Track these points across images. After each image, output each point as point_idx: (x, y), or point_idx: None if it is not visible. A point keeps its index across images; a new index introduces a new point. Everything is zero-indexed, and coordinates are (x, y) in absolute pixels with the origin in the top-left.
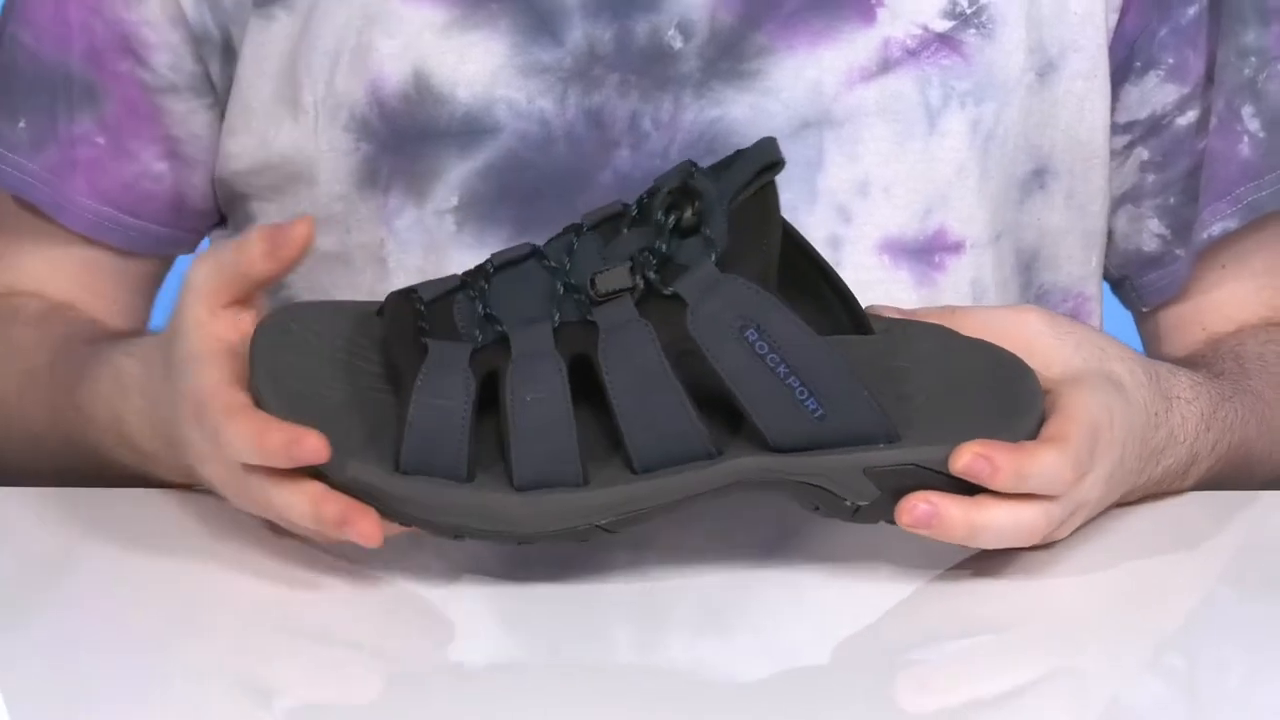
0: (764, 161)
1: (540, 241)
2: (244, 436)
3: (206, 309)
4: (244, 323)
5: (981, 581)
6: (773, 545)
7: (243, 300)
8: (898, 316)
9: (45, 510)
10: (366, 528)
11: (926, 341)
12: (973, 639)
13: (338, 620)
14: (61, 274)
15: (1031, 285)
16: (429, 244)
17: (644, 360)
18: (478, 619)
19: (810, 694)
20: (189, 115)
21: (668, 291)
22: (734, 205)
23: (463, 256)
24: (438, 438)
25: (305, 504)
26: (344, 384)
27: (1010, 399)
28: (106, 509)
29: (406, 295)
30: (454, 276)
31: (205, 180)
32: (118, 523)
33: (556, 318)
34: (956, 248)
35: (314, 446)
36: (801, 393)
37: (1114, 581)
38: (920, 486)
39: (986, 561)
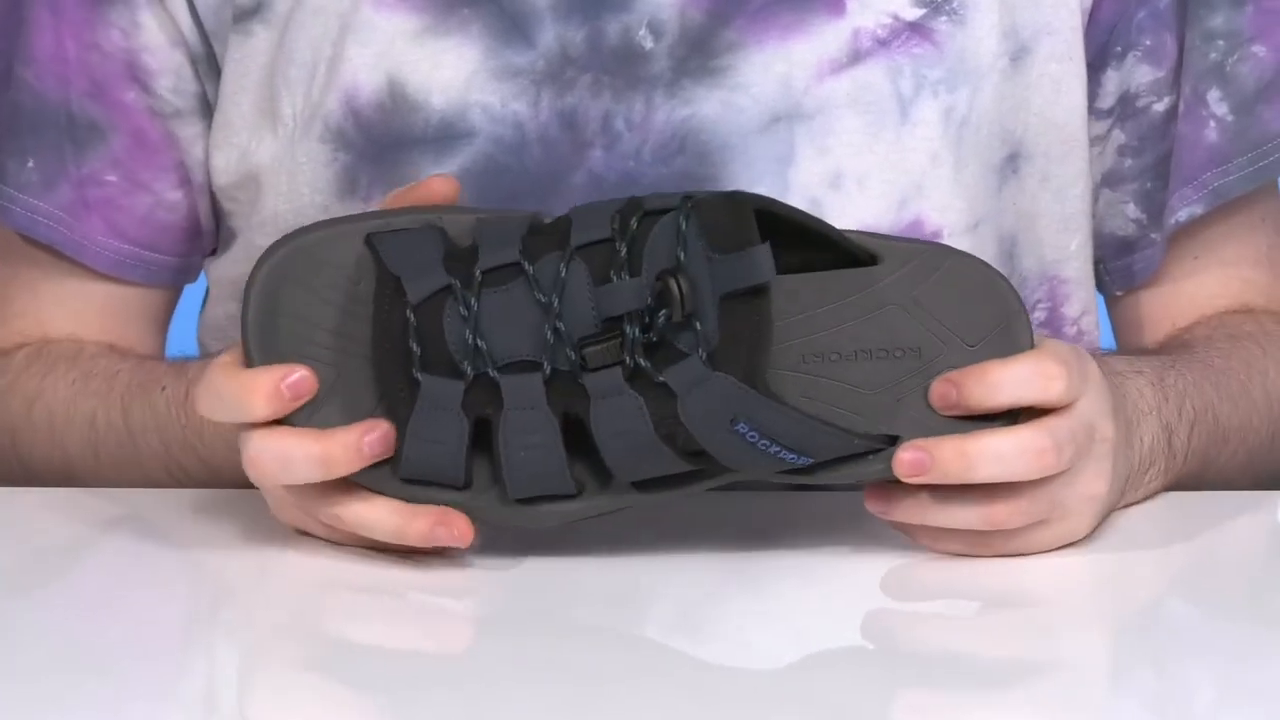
0: (759, 279)
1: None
2: (231, 387)
3: None
4: None
5: (963, 584)
6: (747, 549)
7: None
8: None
9: (56, 508)
10: (462, 525)
11: (924, 259)
12: (955, 639)
13: (334, 620)
14: (86, 316)
15: (1015, 273)
16: None
17: (634, 429)
18: (465, 615)
19: (787, 692)
20: (194, 140)
21: (658, 380)
22: (725, 296)
23: None
24: (432, 475)
25: (390, 517)
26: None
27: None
28: (117, 508)
29: (395, 295)
30: (441, 275)
31: (209, 202)
32: (128, 521)
33: (547, 368)
34: (934, 237)
35: (304, 376)
36: (794, 456)
37: (1110, 580)
38: None
39: (969, 565)
